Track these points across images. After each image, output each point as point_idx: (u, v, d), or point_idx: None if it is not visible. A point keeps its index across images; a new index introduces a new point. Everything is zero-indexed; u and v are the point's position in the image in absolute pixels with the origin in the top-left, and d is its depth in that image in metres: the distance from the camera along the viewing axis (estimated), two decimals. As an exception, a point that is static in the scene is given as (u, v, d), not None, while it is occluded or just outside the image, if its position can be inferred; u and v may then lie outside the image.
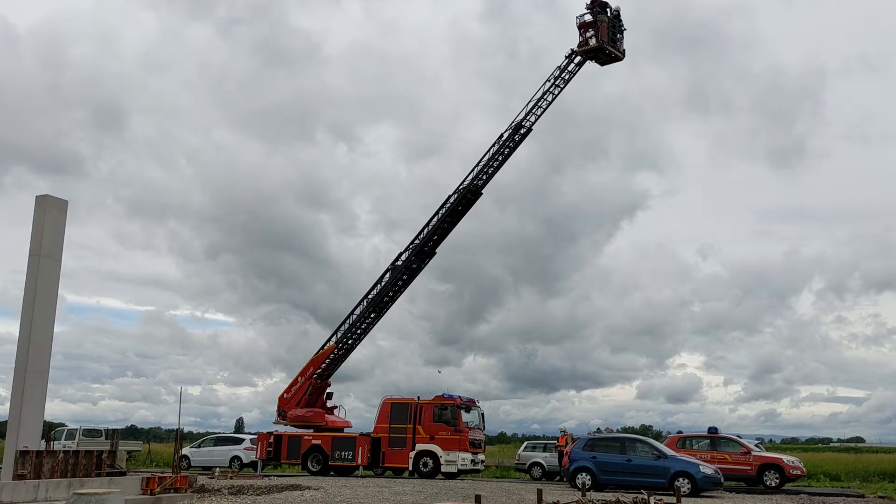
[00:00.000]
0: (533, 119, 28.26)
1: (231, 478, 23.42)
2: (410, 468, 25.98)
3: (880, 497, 22.12)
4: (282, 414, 29.37)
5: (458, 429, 25.75)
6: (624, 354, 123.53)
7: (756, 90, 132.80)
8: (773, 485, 23.52)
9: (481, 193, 28.64)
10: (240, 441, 32.18)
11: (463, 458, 25.58)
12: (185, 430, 72.75)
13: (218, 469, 27.29)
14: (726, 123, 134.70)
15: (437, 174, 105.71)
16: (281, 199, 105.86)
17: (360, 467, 26.54)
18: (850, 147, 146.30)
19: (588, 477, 20.81)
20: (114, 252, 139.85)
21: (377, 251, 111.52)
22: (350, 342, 29.66)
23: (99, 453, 16.11)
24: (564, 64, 28.38)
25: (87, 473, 15.36)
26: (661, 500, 15.33)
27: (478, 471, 27.49)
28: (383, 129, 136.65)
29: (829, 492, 24.06)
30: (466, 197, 28.32)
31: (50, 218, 16.66)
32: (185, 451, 31.25)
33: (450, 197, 28.60)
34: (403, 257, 28.97)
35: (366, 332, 29.81)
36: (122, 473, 16.26)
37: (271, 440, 28.23)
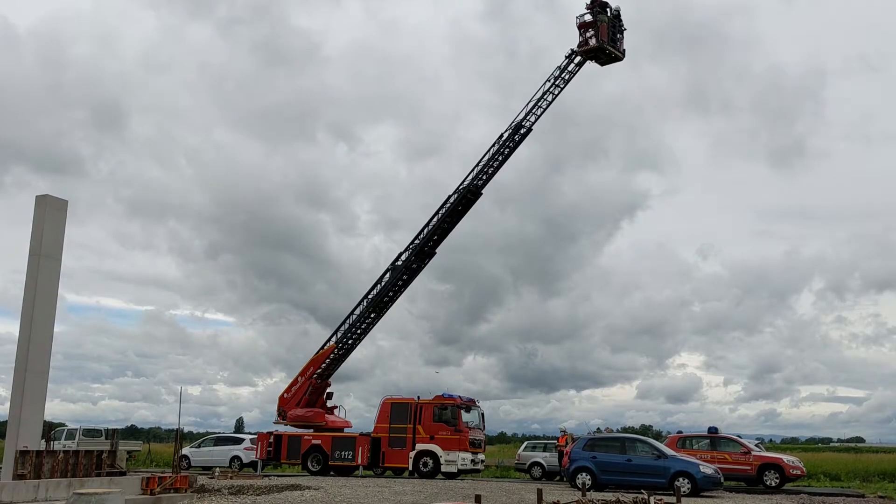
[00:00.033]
0: (533, 119, 28.27)
1: (231, 478, 23.42)
2: (410, 468, 25.98)
3: (880, 497, 22.13)
4: (282, 414, 29.38)
5: (458, 429, 25.74)
6: (624, 354, 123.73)
7: (756, 90, 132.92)
8: (773, 485, 23.53)
9: (481, 193, 28.65)
10: (240, 441, 32.18)
11: (463, 458, 25.59)
12: (185, 430, 72.86)
13: (218, 469, 27.30)
14: (726, 123, 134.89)
15: (437, 174, 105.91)
16: (281, 199, 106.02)
17: (360, 467, 26.54)
18: (850, 147, 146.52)
19: (588, 477, 20.82)
20: (114, 252, 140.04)
21: (377, 251, 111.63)
22: (350, 342, 29.66)
23: (99, 453, 16.11)
24: (564, 64, 28.38)
25: (87, 473, 15.37)
26: (661, 500, 15.33)
27: (478, 471, 27.49)
28: (383, 129, 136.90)
29: (829, 492, 24.06)
30: (466, 197, 28.32)
31: (50, 218, 16.67)
32: (185, 451, 31.25)
33: (450, 197, 28.60)
34: (403, 257, 28.97)
35: (366, 332, 29.82)
36: (122, 473, 16.26)
37: (271, 440, 28.23)
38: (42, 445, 16.63)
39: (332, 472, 26.78)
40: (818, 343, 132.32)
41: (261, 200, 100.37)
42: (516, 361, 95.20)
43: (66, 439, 33.79)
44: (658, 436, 42.90)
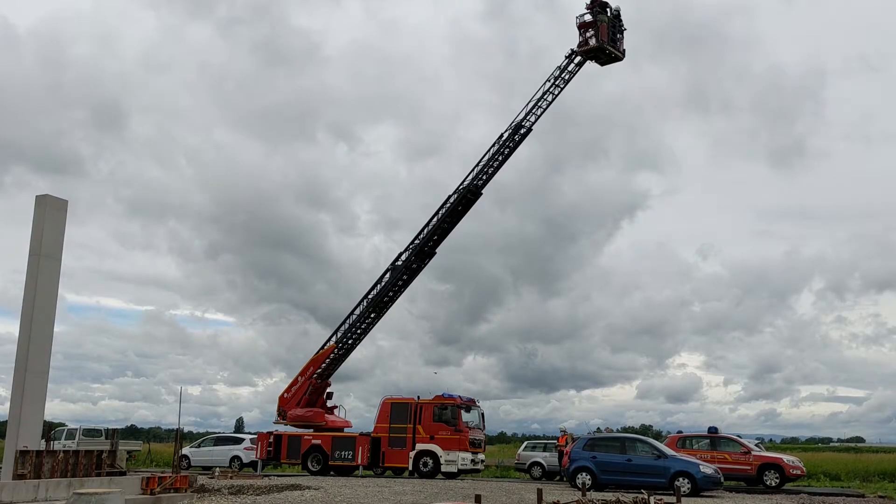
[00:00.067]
0: (533, 119, 28.27)
1: (231, 477, 23.41)
2: (410, 468, 25.97)
3: (880, 497, 22.12)
4: (282, 414, 29.38)
5: (458, 429, 25.74)
6: (624, 354, 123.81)
7: (756, 90, 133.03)
8: (773, 484, 23.52)
9: (481, 193, 28.65)
10: (240, 441, 32.18)
11: (463, 458, 25.58)
12: (185, 429, 72.87)
13: (218, 469, 27.31)
14: (726, 123, 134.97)
15: (437, 174, 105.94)
16: (281, 199, 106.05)
17: (360, 467, 26.54)
18: (850, 147, 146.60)
19: (588, 477, 20.81)
20: (114, 252, 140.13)
21: (377, 251, 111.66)
22: (350, 342, 29.66)
23: (99, 453, 16.11)
24: (564, 64, 28.38)
25: (87, 473, 15.36)
26: (661, 499, 15.33)
27: (478, 471, 27.49)
28: (383, 129, 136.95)
29: (829, 492, 24.05)
30: (466, 197, 28.32)
31: (50, 218, 16.67)
32: (185, 450, 31.26)
33: (450, 197, 28.60)
34: (403, 257, 28.97)
35: (366, 332, 29.82)
36: (122, 473, 16.26)
37: (271, 440, 28.23)
38: (42, 445, 16.64)
39: (332, 472, 26.78)
40: (818, 343, 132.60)
41: (261, 200, 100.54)
42: (516, 361, 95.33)
43: (66, 439, 33.80)
44: (658, 436, 42.88)
